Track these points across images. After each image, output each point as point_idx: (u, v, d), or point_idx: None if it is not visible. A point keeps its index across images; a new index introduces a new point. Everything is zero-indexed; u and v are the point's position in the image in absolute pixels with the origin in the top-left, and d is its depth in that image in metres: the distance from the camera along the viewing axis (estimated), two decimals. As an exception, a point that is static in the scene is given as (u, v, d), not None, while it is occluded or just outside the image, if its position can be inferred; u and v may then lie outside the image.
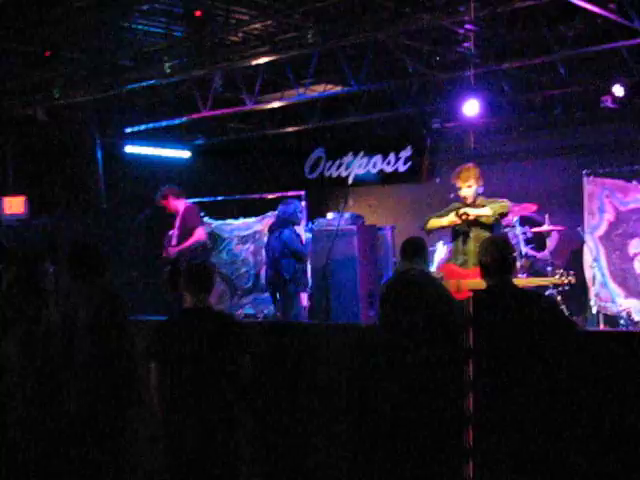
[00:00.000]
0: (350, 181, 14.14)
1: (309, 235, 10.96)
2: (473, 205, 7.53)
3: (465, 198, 7.58)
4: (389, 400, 5.61)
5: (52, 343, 5.56)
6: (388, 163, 13.87)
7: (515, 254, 5.07)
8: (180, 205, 10.02)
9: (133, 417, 5.67)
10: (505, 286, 4.83)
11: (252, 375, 5.29)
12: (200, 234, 9.88)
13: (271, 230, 10.25)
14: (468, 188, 7.54)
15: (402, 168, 13.73)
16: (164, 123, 12.17)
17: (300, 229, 10.50)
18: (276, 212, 10.24)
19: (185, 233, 9.83)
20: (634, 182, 9.96)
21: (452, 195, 8.92)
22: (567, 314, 9.27)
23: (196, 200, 11.79)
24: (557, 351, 4.66)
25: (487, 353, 4.68)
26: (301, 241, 10.21)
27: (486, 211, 7.36)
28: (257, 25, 9.06)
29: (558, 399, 4.67)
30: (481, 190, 7.62)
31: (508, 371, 4.61)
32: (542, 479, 4.65)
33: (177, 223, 9.94)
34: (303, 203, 11.51)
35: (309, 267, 11.34)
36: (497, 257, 4.81)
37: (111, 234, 11.63)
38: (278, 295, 10.15)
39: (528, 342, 4.63)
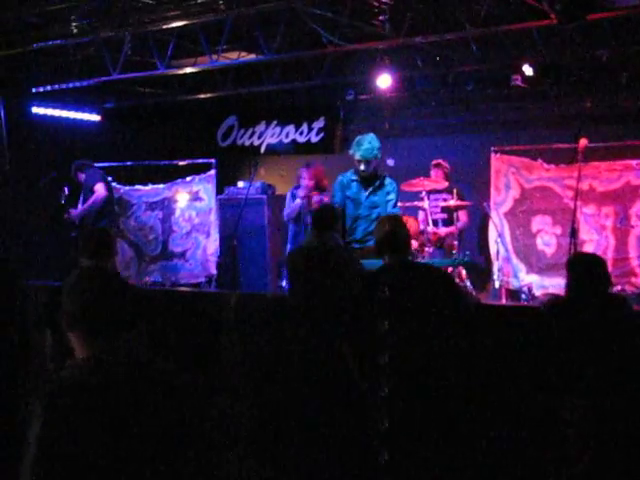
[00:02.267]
0: (262, 150, 14.16)
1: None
2: (372, 176, 7.78)
3: (366, 169, 7.84)
4: (297, 372, 5.67)
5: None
6: (301, 133, 13.90)
7: (408, 232, 5.16)
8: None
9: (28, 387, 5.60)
10: (397, 263, 4.95)
11: (150, 342, 5.27)
12: (99, 191, 9.95)
13: None
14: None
15: (315, 138, 13.77)
16: (72, 85, 11.95)
17: None
18: None
19: (87, 196, 9.85)
20: (539, 160, 10.17)
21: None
22: (470, 288, 9.50)
23: (105, 165, 11.66)
24: (446, 322, 4.78)
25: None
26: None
27: None
28: (170, -12, 8.99)
29: (447, 367, 4.80)
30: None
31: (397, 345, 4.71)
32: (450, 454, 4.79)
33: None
34: (213, 171, 11.48)
35: (217, 235, 11.35)
36: (388, 235, 4.98)
37: (15, 196, 11.44)
38: None
39: (419, 314, 4.77)
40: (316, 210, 6.21)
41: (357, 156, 7.79)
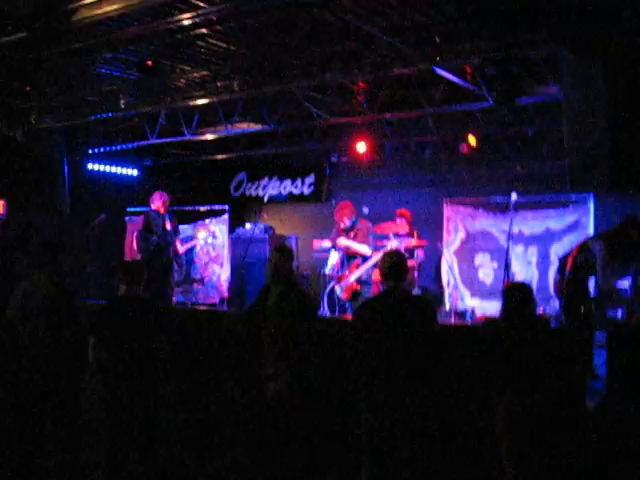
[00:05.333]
0: (265, 199, 14.14)
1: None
2: (351, 230, 8.49)
3: (344, 228, 8.52)
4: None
5: (15, 317, 5.43)
6: (296, 186, 13.92)
7: (400, 262, 5.10)
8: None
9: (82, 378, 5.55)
10: (396, 289, 4.94)
11: (172, 348, 5.27)
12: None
13: None
14: (343, 223, 8.53)
15: (307, 191, 13.80)
16: (119, 147, 12.01)
17: None
18: None
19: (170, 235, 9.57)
20: (481, 210, 10.25)
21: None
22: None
23: (143, 209, 11.67)
24: (425, 334, 4.82)
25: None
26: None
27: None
28: (196, 74, 9.05)
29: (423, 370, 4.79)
30: (354, 219, 8.58)
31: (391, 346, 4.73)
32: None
33: (171, 224, 9.61)
34: (226, 215, 11.51)
35: (229, 265, 11.32)
36: (391, 266, 4.95)
37: (73, 233, 11.44)
38: None
39: (409, 326, 4.79)
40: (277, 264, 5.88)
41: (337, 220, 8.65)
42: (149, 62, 8.44)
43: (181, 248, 9.93)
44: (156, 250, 9.35)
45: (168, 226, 9.55)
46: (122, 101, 9.46)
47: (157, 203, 9.64)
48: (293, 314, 5.17)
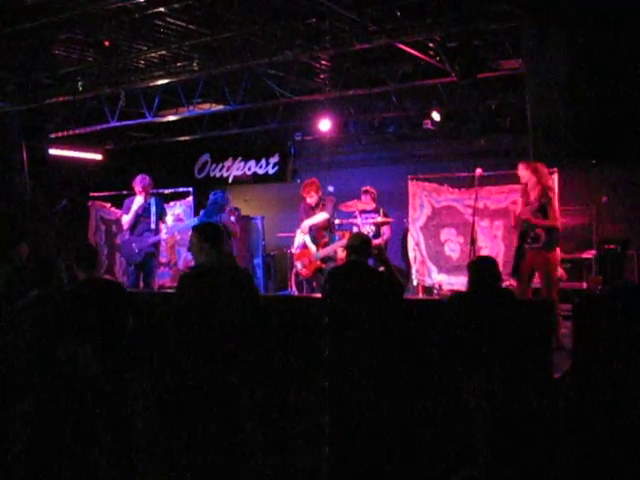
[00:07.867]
0: (230, 180, 14.05)
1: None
2: (317, 207, 8.30)
3: (310, 204, 8.25)
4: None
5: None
6: (260, 167, 13.81)
7: (369, 242, 5.57)
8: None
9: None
10: (361, 262, 5.33)
11: (138, 331, 5.14)
12: None
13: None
14: (311, 198, 8.27)
15: (271, 171, 13.69)
16: (80, 131, 11.79)
17: None
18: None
19: None
20: (445, 185, 10.24)
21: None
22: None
23: (105, 194, 11.50)
24: (387, 303, 5.08)
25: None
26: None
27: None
28: (155, 54, 8.89)
29: (383, 341, 4.96)
30: (320, 195, 8.33)
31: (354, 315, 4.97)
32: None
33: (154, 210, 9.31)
34: (191, 198, 11.37)
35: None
36: (357, 243, 5.39)
37: (35, 219, 11.21)
38: None
39: (371, 297, 5.06)
40: (208, 231, 5.31)
41: (303, 196, 8.36)
42: (107, 42, 8.27)
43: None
44: None
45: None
46: (79, 83, 9.26)
47: (138, 187, 9.41)
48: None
